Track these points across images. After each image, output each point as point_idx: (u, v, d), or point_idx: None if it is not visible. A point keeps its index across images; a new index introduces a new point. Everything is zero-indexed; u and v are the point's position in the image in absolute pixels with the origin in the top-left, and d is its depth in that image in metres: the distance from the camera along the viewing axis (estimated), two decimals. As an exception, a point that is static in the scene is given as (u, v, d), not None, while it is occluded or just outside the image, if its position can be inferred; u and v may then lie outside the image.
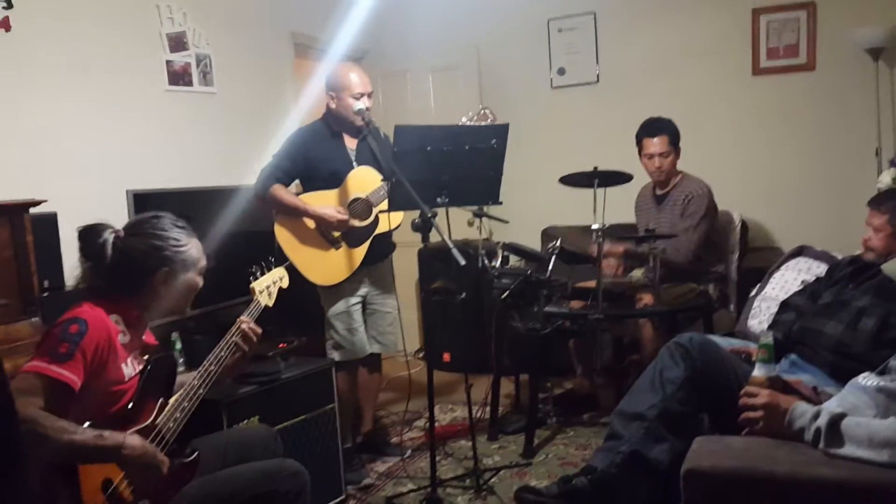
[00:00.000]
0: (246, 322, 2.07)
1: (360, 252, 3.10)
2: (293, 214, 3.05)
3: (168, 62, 3.60)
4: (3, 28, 2.83)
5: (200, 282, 2.02)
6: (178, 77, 3.65)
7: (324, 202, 3.04)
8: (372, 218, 3.08)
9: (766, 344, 1.81)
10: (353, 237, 3.09)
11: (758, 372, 1.80)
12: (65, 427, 1.60)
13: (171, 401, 1.91)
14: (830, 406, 1.65)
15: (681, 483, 1.58)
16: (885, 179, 3.47)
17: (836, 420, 1.58)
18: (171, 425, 1.84)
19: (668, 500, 1.91)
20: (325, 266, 3.08)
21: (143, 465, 1.70)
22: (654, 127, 3.59)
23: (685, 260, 3.45)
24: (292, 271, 2.89)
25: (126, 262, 1.87)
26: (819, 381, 2.18)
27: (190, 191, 3.46)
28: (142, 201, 3.09)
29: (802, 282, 2.99)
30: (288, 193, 3.06)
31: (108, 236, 1.87)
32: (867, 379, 1.75)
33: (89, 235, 1.88)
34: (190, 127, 3.72)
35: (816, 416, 1.62)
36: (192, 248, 1.97)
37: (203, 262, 2.01)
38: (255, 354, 2.71)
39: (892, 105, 4.07)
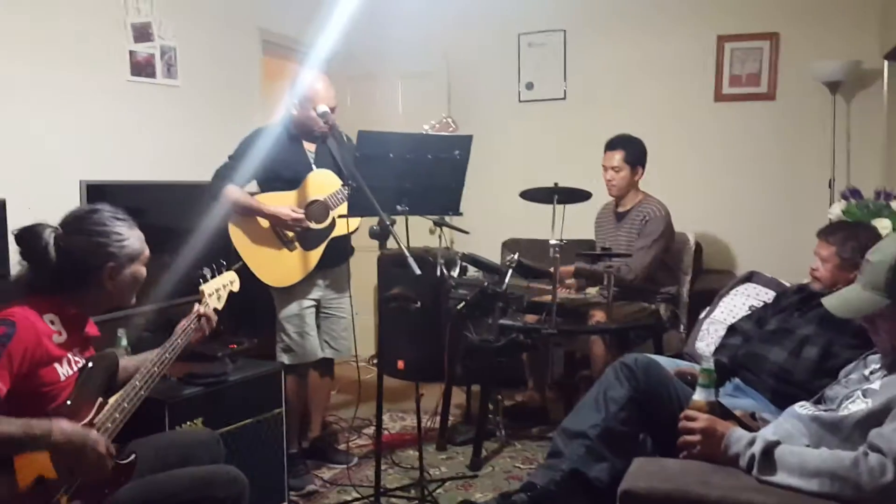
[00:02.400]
0: (204, 306, 2.11)
1: (316, 255, 3.08)
2: (248, 214, 3.01)
3: (131, 52, 3.53)
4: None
5: (144, 272, 1.99)
6: (141, 68, 3.59)
7: (281, 203, 3.02)
8: (329, 221, 3.06)
9: (707, 369, 1.84)
10: (308, 239, 3.06)
11: (698, 396, 1.83)
12: None
13: (111, 400, 1.87)
14: (766, 433, 1.68)
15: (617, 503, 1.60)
16: (835, 211, 3.55)
17: (770, 447, 1.61)
18: (110, 425, 1.80)
19: (606, 519, 1.93)
20: (279, 267, 3.05)
21: (75, 449, 1.66)
22: (614, 141, 3.68)
23: (636, 278, 3.49)
24: (245, 272, 2.87)
25: (70, 262, 1.84)
26: (760, 406, 2.22)
27: (146, 184, 3.40)
28: (95, 193, 3.02)
29: (750, 307, 3.05)
30: (242, 193, 3.03)
31: (49, 237, 1.83)
32: (803, 408, 1.79)
33: (29, 237, 1.84)
34: (151, 120, 3.65)
35: (752, 442, 1.65)
36: (134, 239, 1.94)
37: (146, 252, 1.99)
38: (202, 355, 2.69)
39: (847, 138, 4.18)
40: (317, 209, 3.04)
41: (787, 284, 3.07)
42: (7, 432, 1.58)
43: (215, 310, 2.19)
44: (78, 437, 1.67)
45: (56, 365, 1.78)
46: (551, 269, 3.22)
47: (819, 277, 2.54)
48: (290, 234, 3.03)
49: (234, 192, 3.00)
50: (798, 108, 4.31)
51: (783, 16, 4.31)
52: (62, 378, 1.79)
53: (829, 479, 1.51)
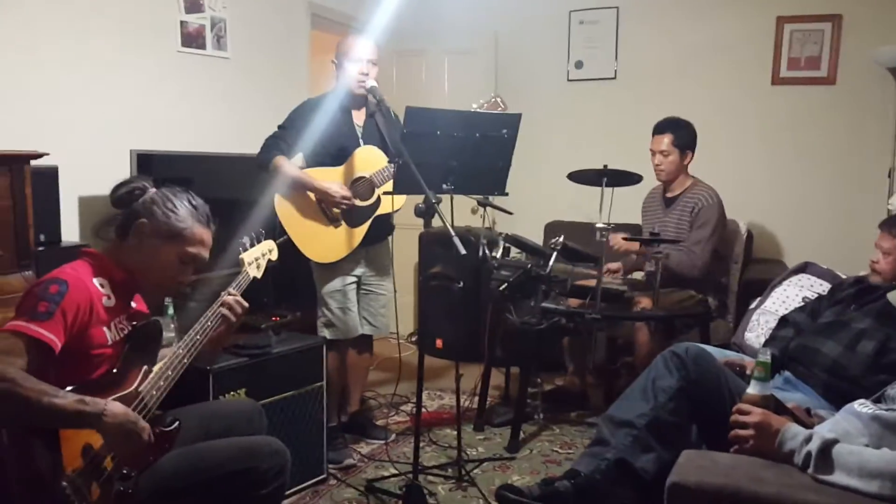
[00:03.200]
0: (232, 295, 2.04)
1: (360, 232, 3.06)
2: (295, 188, 3.00)
3: (182, 23, 3.55)
4: (16, -25, 2.78)
5: (176, 262, 1.90)
6: (192, 39, 3.60)
7: (328, 178, 3.00)
8: (374, 198, 3.04)
9: (763, 361, 1.78)
10: (353, 217, 3.05)
11: (752, 389, 1.78)
12: (45, 390, 1.57)
13: (156, 368, 1.88)
14: (823, 431, 1.62)
15: (665, 496, 1.56)
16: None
17: (827, 446, 1.56)
18: (155, 393, 1.82)
19: (650, 510, 1.89)
20: (324, 243, 3.04)
21: (124, 433, 1.67)
22: (663, 124, 3.56)
23: (700, 274, 3.41)
24: (289, 246, 2.86)
25: (127, 207, 1.88)
26: (812, 400, 2.16)
27: (194, 155, 3.43)
28: (145, 162, 3.05)
29: (804, 298, 2.96)
30: (291, 166, 3.01)
31: (138, 184, 1.90)
32: (862, 406, 1.72)
33: (127, 181, 1.91)
34: (200, 91, 3.67)
35: (808, 439, 1.59)
36: (187, 225, 1.89)
37: (196, 250, 1.91)
38: (247, 326, 2.71)
39: (910, 127, 4.02)
40: (362, 186, 3.03)
41: (843, 276, 2.97)
42: (61, 405, 1.57)
43: (255, 279, 2.18)
44: (129, 423, 1.67)
45: (104, 328, 1.80)
46: (599, 254, 3.17)
47: (879, 270, 2.44)
48: (337, 210, 3.02)
49: (284, 163, 2.97)
50: (859, 94, 4.14)
51: (847, -4, 4.14)
52: (109, 342, 1.81)
53: (890, 481, 1.46)
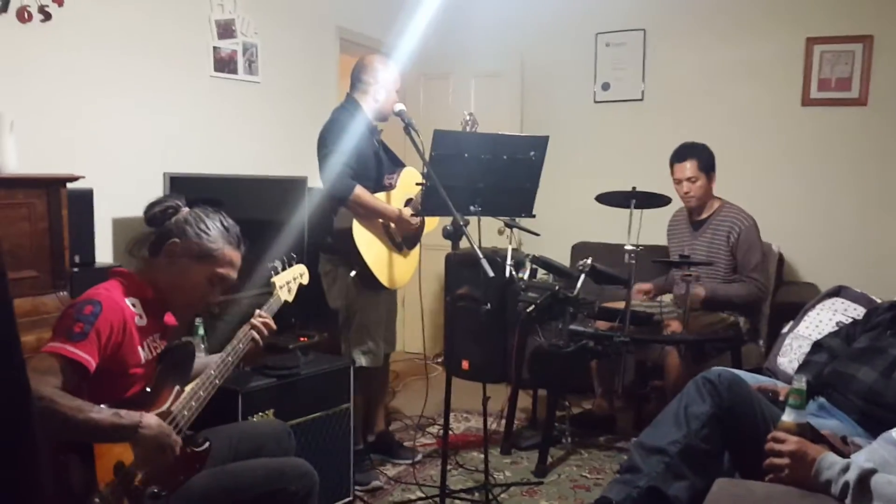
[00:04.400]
0: (262, 317, 2.06)
1: (416, 255, 3.09)
2: (371, 216, 2.96)
3: (215, 48, 3.62)
4: (56, 2, 2.86)
5: (206, 284, 1.93)
6: (224, 64, 3.66)
7: (392, 203, 3.02)
8: (420, 220, 3.07)
9: (798, 388, 1.75)
10: (409, 240, 3.09)
11: (787, 417, 1.74)
12: (81, 406, 1.60)
13: (187, 388, 1.90)
14: (860, 460, 1.59)
15: (698, 525, 1.54)
16: (931, 224, 3.38)
17: (865, 475, 1.52)
18: (186, 413, 1.83)
19: (683, 539, 1.86)
20: (393, 269, 3.05)
21: (157, 446, 1.70)
22: (684, 151, 3.54)
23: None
24: (365, 273, 2.87)
25: (160, 226, 1.92)
26: (847, 428, 2.11)
27: (225, 177, 3.48)
28: (178, 184, 3.10)
29: (837, 323, 2.91)
30: (369, 194, 2.96)
31: (171, 203, 1.94)
32: (900, 435, 1.68)
33: (161, 199, 1.96)
34: (232, 115, 3.73)
35: (845, 469, 1.56)
36: (218, 246, 1.92)
37: (222, 271, 1.93)
38: (275, 347, 2.73)
39: (944, 148, 3.96)
40: (413, 208, 3.04)
41: (879, 301, 2.91)
42: (98, 419, 1.61)
43: (286, 302, 2.20)
44: (163, 435, 1.70)
45: (138, 347, 1.82)
46: (626, 277, 3.14)
47: (915, 296, 2.39)
48: (400, 236, 3.04)
49: (363, 192, 2.93)
50: (891, 115, 4.09)
51: (877, 17, 4.09)
52: (142, 361, 1.83)
53: (931, 512, 1.42)
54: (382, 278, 2.99)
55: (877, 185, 4.15)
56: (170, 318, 2.05)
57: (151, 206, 1.94)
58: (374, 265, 2.94)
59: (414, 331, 3.96)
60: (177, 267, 1.90)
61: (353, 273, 2.81)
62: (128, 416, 1.67)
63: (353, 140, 2.98)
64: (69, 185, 2.58)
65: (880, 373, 2.18)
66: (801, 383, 1.73)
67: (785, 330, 3.16)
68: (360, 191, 2.92)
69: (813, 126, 4.27)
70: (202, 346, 2.65)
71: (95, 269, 2.81)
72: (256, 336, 2.03)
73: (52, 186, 2.51)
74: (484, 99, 4.99)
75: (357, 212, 2.94)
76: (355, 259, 2.91)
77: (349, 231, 2.91)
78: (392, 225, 3.02)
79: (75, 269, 2.70)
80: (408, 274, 3.11)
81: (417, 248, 3.10)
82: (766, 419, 1.90)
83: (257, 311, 2.09)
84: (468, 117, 2.92)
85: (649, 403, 3.72)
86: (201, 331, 2.97)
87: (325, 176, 2.98)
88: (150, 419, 1.69)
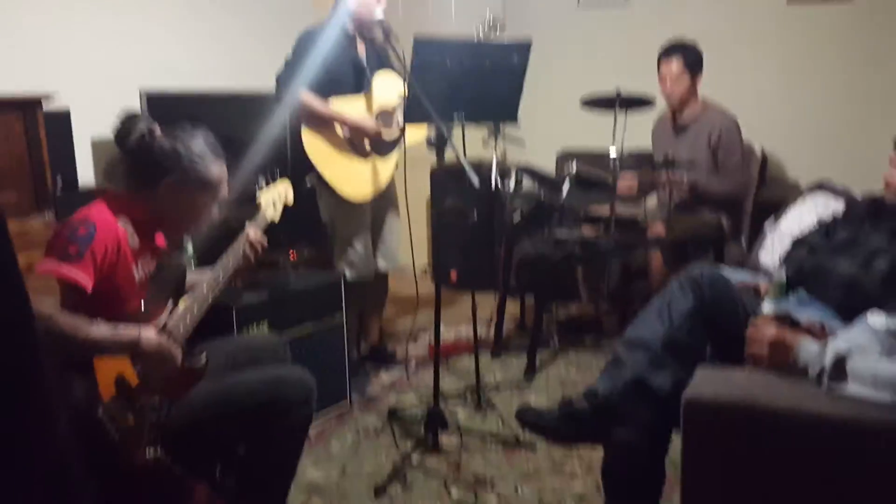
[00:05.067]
0: (253, 231, 2.07)
1: (389, 166, 3.03)
2: (323, 123, 2.91)
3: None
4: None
5: (214, 209, 1.96)
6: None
7: (353, 109, 2.93)
8: (398, 130, 3.02)
9: (777, 281, 1.80)
10: (381, 148, 3.01)
11: (767, 308, 1.80)
12: (79, 324, 1.63)
13: (181, 305, 1.92)
14: (837, 344, 1.65)
15: (681, 411, 1.60)
16: (913, 119, 3.38)
17: (841, 358, 1.58)
18: (182, 329, 1.87)
19: (667, 427, 1.94)
20: (357, 180, 2.98)
21: (159, 359, 1.73)
22: (670, 48, 3.51)
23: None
24: (320, 184, 2.84)
25: (145, 158, 1.87)
26: (826, 318, 2.18)
27: (205, 94, 3.40)
28: (155, 103, 3.04)
29: (819, 219, 2.95)
30: (319, 100, 2.90)
31: (143, 128, 1.86)
32: (877, 319, 1.74)
33: (127, 122, 1.88)
34: (210, 28, 3.62)
35: (822, 353, 1.62)
36: (212, 169, 1.91)
37: (222, 191, 1.95)
38: (265, 263, 2.75)
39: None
40: (387, 117, 2.98)
41: (859, 195, 2.96)
42: (98, 336, 1.64)
43: (272, 222, 2.19)
44: (164, 348, 1.74)
45: (132, 267, 1.84)
46: (610, 180, 3.16)
47: (893, 186, 2.42)
48: (368, 145, 2.98)
49: (311, 98, 2.87)
50: (877, 13, 4.02)
51: None
52: (137, 281, 1.85)
53: (903, 390, 1.49)
54: (340, 188, 2.93)
55: (862, 83, 4.12)
56: (160, 239, 2.05)
57: (123, 135, 1.87)
58: (330, 175, 2.87)
59: (402, 244, 3.96)
60: (176, 200, 1.90)
61: (308, 183, 2.77)
62: (126, 330, 1.70)
63: (322, 49, 2.91)
64: (46, 108, 2.53)
65: (859, 265, 2.23)
66: (780, 275, 1.78)
67: (767, 227, 3.22)
68: (306, 96, 2.86)
69: (799, 25, 4.20)
70: (191, 264, 2.66)
71: (80, 193, 2.79)
72: (249, 253, 2.04)
73: (27, 107, 2.46)
74: (464, 4, 4.85)
75: (308, 120, 2.89)
76: (309, 168, 2.86)
77: (300, 139, 2.89)
78: (351, 132, 2.94)
79: (59, 193, 2.68)
80: (373, 185, 3.00)
81: (393, 156, 3.02)
82: (747, 313, 1.96)
83: (248, 228, 2.08)
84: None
85: (634, 305, 3.80)
86: (190, 249, 2.98)
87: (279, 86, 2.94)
88: (148, 333, 1.73)
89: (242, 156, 2.99)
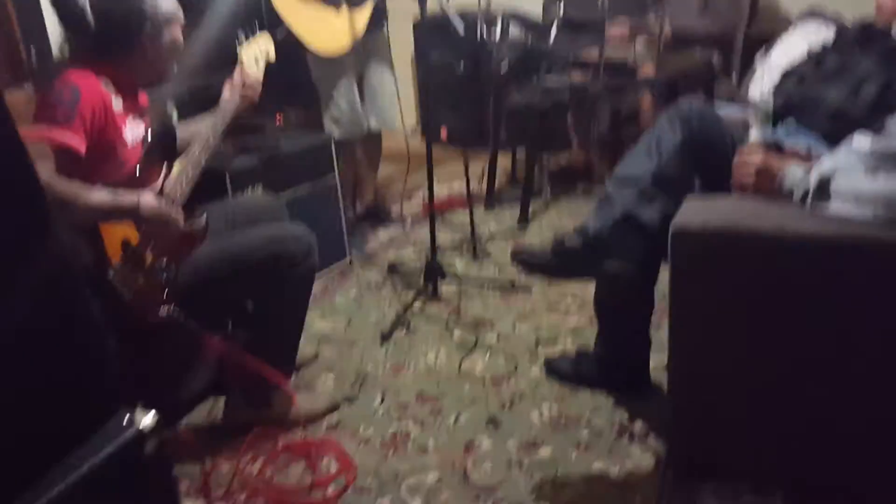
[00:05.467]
0: (238, 73, 2.02)
1: (363, 16, 2.89)
2: None
3: None
4: None
5: (181, 37, 1.92)
6: None
7: None
8: None
9: (764, 108, 1.81)
10: None
11: (754, 136, 1.82)
12: (78, 190, 1.64)
13: (175, 168, 1.93)
14: (822, 166, 1.68)
15: (669, 240, 1.65)
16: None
17: (825, 178, 1.62)
18: (178, 191, 1.88)
19: (657, 258, 2.01)
20: (327, 32, 2.85)
21: (161, 221, 1.76)
22: None
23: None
24: (290, 38, 2.73)
25: (109, 25, 1.81)
26: (814, 145, 2.20)
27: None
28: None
29: (809, 49, 2.91)
30: None
31: (84, 0, 1.78)
32: (861, 141, 1.76)
33: (65, 1, 1.80)
34: None
35: (807, 176, 1.65)
36: (168, 4, 1.87)
37: (180, 15, 1.91)
38: (253, 126, 2.72)
39: None
40: None
41: (848, 22, 2.89)
42: (98, 202, 1.67)
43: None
44: (165, 210, 1.76)
45: (121, 128, 1.83)
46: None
47: (885, 9, 2.38)
48: None
49: None
50: None
51: None
52: (129, 143, 1.85)
53: (884, 204, 1.53)
54: (311, 41, 2.81)
55: None
56: (144, 98, 2.03)
57: (61, 4, 1.82)
58: (298, 27, 2.75)
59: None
60: (154, 49, 1.86)
61: (276, 36, 2.64)
62: (126, 196, 1.72)
63: None
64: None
65: (848, 91, 2.23)
66: (767, 103, 1.79)
67: (757, 60, 3.17)
68: None
69: None
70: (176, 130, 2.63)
71: (56, 63, 2.71)
72: (247, 93, 2.01)
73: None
74: None
75: None
76: (276, 20, 2.73)
77: None
78: None
79: (35, 65, 2.61)
80: (346, 36, 2.86)
81: (368, 5, 2.87)
82: (735, 143, 1.97)
83: (231, 80, 2.04)
84: None
85: (625, 149, 3.81)
86: (175, 115, 2.94)
87: None
88: (147, 197, 1.75)
89: (220, 15, 2.88)
